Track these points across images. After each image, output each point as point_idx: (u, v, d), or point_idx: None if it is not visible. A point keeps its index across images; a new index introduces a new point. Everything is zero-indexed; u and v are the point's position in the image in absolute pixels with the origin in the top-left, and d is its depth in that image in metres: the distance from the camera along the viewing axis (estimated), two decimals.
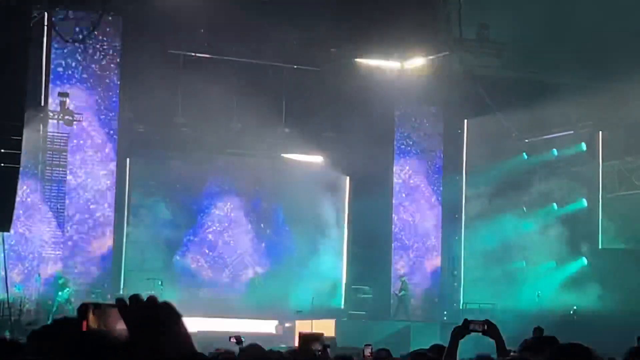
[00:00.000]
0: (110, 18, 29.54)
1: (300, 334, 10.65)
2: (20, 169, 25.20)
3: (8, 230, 26.24)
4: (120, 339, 2.35)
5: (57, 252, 29.20)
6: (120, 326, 2.37)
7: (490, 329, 6.20)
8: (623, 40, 28.28)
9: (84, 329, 2.35)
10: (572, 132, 33.54)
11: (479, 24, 32.91)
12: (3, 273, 27.23)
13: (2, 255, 27.16)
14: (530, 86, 31.99)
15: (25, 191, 28.57)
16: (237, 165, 33.44)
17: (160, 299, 2.43)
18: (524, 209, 34.61)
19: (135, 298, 2.42)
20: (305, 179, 34.01)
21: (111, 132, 30.10)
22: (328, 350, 9.62)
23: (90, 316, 2.36)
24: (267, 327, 30.35)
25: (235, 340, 11.19)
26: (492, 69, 33.44)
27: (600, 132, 33.21)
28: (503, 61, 33.36)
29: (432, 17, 34.47)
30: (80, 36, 28.56)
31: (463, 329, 6.24)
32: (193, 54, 31.64)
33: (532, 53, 31.66)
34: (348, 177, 34.78)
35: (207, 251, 32.95)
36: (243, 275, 33.27)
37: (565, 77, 31.21)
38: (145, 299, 2.42)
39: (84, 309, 2.37)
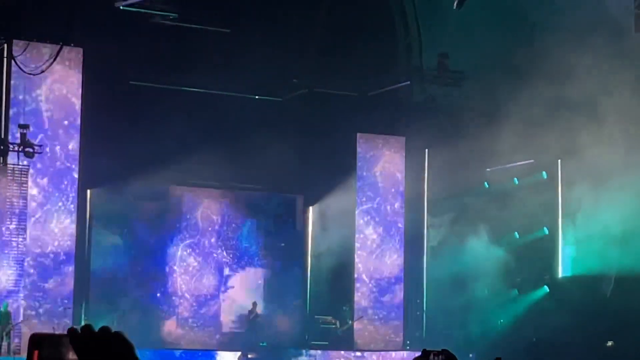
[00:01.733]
0: (71, 49, 29.47)
1: None
2: None
3: None
4: None
5: (19, 286, 28.90)
6: (72, 356, 2.37)
7: (448, 358, 6.23)
8: (579, 69, 28.61)
9: (36, 359, 2.35)
10: (532, 160, 33.77)
11: (438, 54, 33.24)
12: None
13: None
14: (491, 115, 32.21)
15: None
16: (199, 197, 33.34)
17: (121, 331, 2.43)
18: (486, 237, 34.75)
19: (86, 328, 2.42)
20: (267, 210, 34.03)
21: (72, 164, 29.94)
22: None
23: (43, 346, 2.36)
24: (229, 358, 30.24)
25: None
26: (453, 99, 33.69)
27: (560, 161, 33.45)
28: (463, 90, 33.65)
29: (392, 47, 34.77)
30: (41, 68, 28.45)
31: (422, 359, 6.27)
32: (154, 85, 31.63)
33: (492, 82, 31.89)
34: (311, 208, 34.79)
35: (168, 283, 32.74)
36: (206, 307, 33.08)
37: (525, 106, 31.46)
38: (97, 330, 2.42)
39: (36, 339, 2.37)
